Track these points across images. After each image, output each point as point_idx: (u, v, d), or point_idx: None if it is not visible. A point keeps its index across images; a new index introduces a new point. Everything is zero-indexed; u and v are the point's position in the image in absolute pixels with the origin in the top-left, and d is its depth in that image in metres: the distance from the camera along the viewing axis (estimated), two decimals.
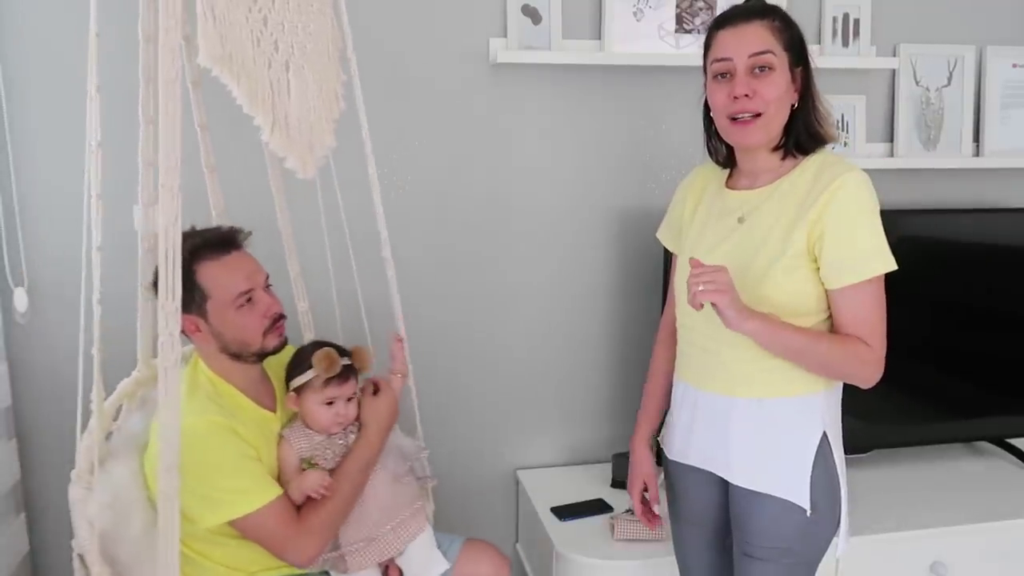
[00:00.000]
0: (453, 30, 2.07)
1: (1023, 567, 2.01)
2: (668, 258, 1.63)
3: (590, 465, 2.30)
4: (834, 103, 2.25)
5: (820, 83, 1.40)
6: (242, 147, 1.81)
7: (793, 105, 1.37)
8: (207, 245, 1.48)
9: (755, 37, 1.33)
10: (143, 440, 1.51)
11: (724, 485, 1.46)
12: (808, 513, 1.36)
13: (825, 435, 1.37)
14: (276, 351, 1.54)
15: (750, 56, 1.32)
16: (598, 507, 2.05)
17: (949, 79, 2.36)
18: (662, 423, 1.61)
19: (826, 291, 1.33)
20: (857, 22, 2.25)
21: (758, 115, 1.33)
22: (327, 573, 1.55)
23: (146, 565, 1.38)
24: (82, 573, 1.39)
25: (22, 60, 1.88)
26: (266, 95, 1.21)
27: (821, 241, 1.30)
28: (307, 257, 1.88)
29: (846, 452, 1.42)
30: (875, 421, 2.15)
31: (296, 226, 1.84)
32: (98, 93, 1.33)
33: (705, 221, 1.47)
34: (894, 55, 2.31)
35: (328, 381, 1.51)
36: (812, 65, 1.39)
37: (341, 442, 1.55)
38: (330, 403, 1.53)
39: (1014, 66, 2.37)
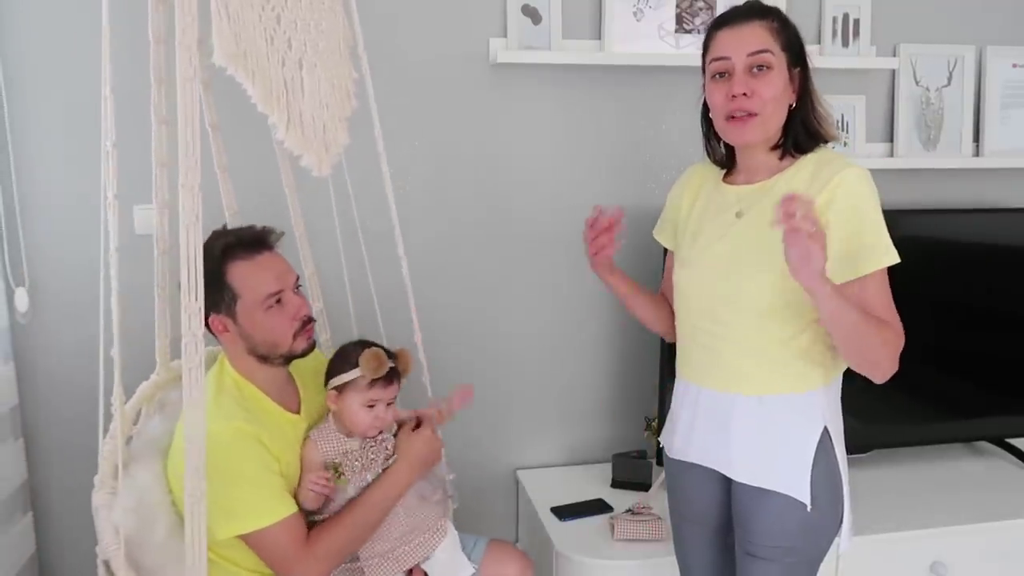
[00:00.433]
0: (453, 30, 2.07)
1: (1023, 567, 2.02)
2: (667, 256, 1.63)
3: (590, 465, 2.30)
4: (834, 103, 2.26)
5: (820, 83, 1.41)
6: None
7: (791, 105, 1.37)
8: (240, 244, 1.46)
9: (753, 37, 1.34)
10: (164, 443, 1.50)
11: (725, 483, 1.46)
12: (808, 508, 1.36)
13: (826, 430, 1.37)
14: (305, 354, 1.52)
15: (748, 55, 1.33)
16: (598, 507, 2.05)
17: (949, 79, 2.36)
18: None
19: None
20: (857, 22, 2.25)
21: (755, 114, 1.34)
22: None
23: (170, 569, 1.37)
24: None
25: (22, 60, 1.88)
26: (280, 93, 1.20)
27: (825, 237, 1.30)
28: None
29: (846, 452, 1.42)
30: (875, 421, 2.15)
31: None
32: (112, 94, 1.32)
33: (703, 216, 1.48)
34: (894, 55, 2.31)
35: (373, 383, 1.49)
36: (810, 66, 1.39)
37: (372, 455, 1.52)
38: (371, 405, 1.51)
39: (1014, 66, 2.37)
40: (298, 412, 1.56)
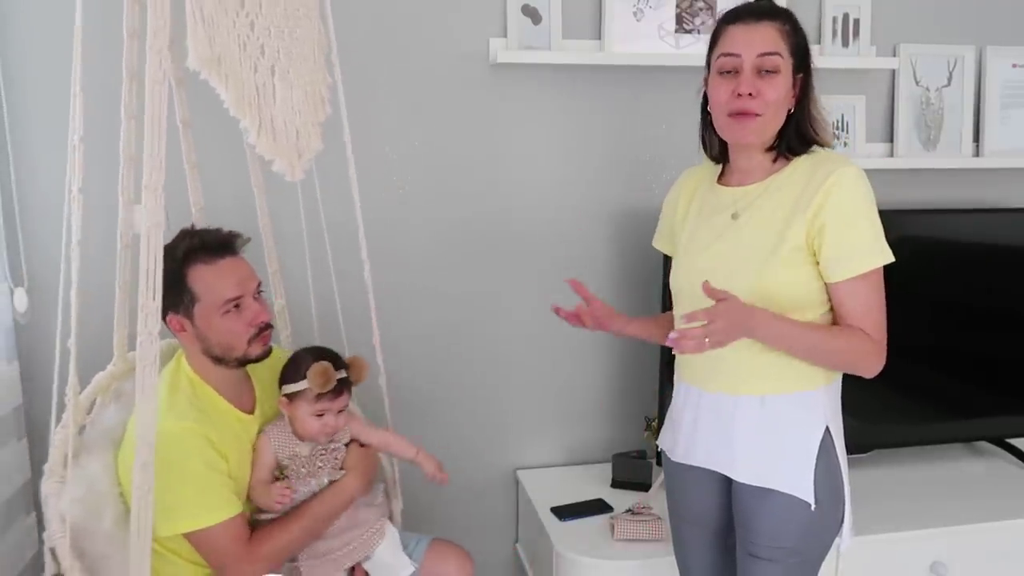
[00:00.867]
0: (453, 30, 2.07)
1: (1023, 567, 2.02)
2: (667, 258, 1.63)
3: (590, 465, 2.29)
4: (834, 103, 2.26)
5: (820, 83, 1.41)
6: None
7: (790, 110, 1.38)
8: (204, 247, 1.48)
9: (766, 37, 1.34)
10: (118, 434, 1.51)
11: (726, 484, 1.46)
12: (812, 507, 1.36)
13: (828, 430, 1.38)
14: (259, 359, 1.54)
15: (759, 55, 1.33)
16: (598, 507, 2.05)
17: (949, 79, 2.36)
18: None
19: (826, 284, 1.34)
20: (857, 22, 2.25)
21: (757, 115, 1.34)
22: None
23: (115, 558, 1.38)
24: (53, 567, 1.38)
25: (22, 60, 1.88)
26: (252, 99, 1.21)
27: (821, 236, 1.31)
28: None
29: (847, 452, 1.42)
30: (875, 421, 2.15)
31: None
32: (82, 91, 1.32)
33: (698, 219, 1.48)
34: (894, 55, 2.31)
35: (321, 395, 1.52)
36: (813, 71, 1.40)
37: (320, 464, 1.55)
38: (320, 415, 1.54)
39: (1014, 66, 2.37)
40: (252, 412, 1.58)
